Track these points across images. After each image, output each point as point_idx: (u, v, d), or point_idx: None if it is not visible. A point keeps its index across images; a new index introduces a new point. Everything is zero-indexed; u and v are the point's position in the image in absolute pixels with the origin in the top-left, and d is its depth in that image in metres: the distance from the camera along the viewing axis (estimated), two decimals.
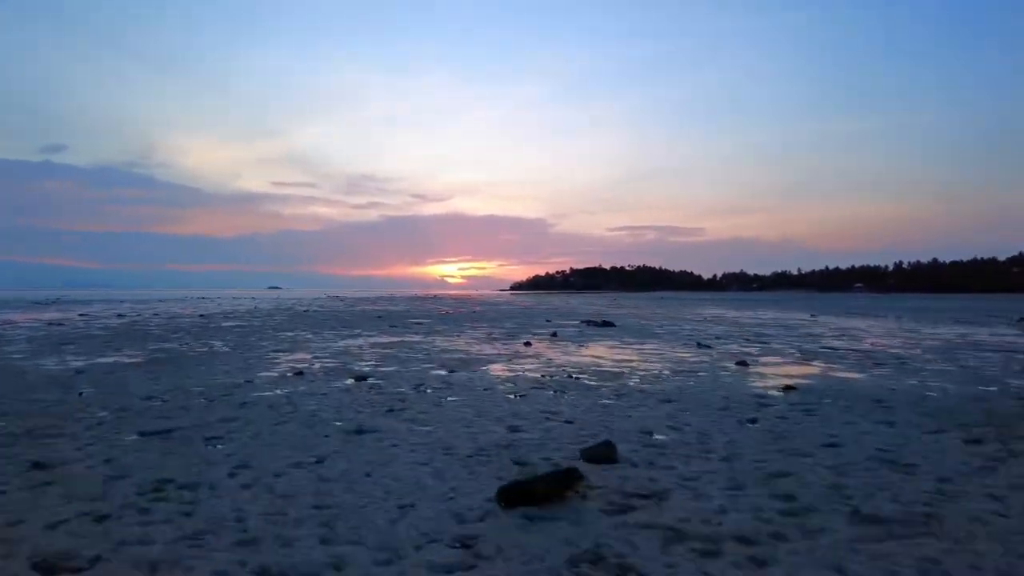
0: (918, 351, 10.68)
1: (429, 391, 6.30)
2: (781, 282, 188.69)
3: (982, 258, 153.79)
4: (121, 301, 43.81)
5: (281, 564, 2.37)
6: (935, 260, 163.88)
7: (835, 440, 4.33)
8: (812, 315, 26.33)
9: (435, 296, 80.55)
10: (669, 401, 5.80)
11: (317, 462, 3.72)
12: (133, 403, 5.54)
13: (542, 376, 7.36)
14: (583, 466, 3.57)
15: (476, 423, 4.79)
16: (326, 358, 9.22)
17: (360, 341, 12.30)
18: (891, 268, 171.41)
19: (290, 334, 14.00)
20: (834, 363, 8.84)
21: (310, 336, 13.42)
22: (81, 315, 23.09)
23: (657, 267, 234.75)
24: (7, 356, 9.36)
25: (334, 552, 2.48)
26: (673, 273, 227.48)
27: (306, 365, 8.37)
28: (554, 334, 13.78)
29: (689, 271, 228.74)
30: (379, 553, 2.47)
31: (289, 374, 7.46)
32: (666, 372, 7.82)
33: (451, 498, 3.09)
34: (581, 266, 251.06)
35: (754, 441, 4.33)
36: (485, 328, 16.43)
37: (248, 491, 3.19)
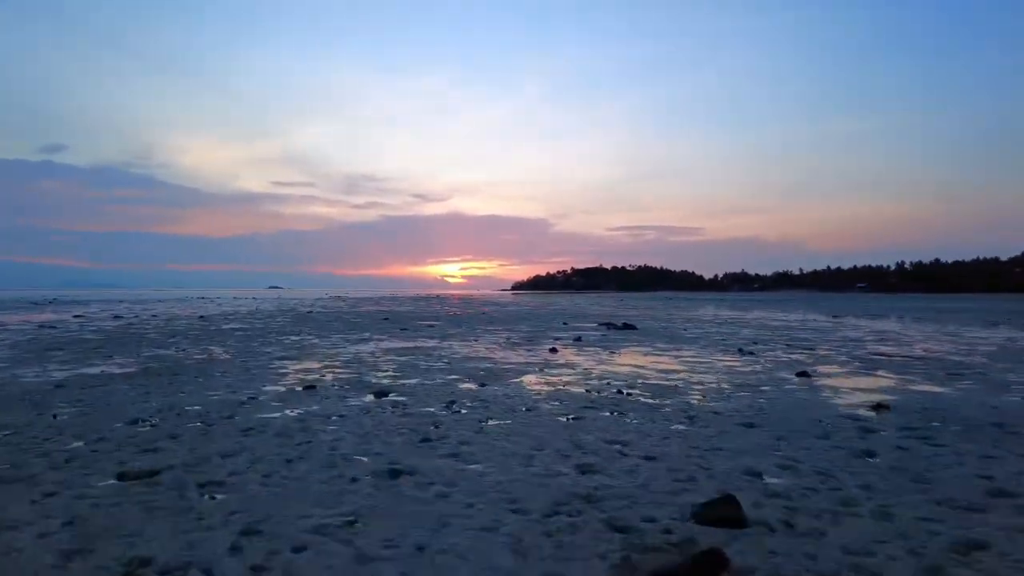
0: (980, 358, 9.77)
1: (464, 411, 5.39)
2: (782, 282, 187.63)
3: (984, 258, 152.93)
4: (119, 302, 42.89)
5: None
6: (937, 260, 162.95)
7: (996, 484, 3.41)
8: (834, 316, 25.42)
9: (437, 296, 79.61)
10: (752, 426, 4.89)
11: (348, 523, 2.81)
12: (116, 429, 4.62)
13: (587, 391, 6.45)
14: (704, 534, 2.67)
15: (536, 459, 3.87)
16: (338, 367, 8.30)
17: (371, 346, 11.37)
18: (893, 268, 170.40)
19: (295, 338, 13.07)
20: (903, 374, 7.92)
21: (316, 340, 12.50)
22: (76, 317, 22.19)
23: (658, 267, 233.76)
24: None
25: None
26: (674, 273, 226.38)
27: (316, 376, 7.45)
28: (578, 338, 12.86)
29: (690, 271, 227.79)
30: None
31: (298, 388, 6.54)
32: (725, 386, 6.91)
33: None
34: (582, 266, 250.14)
35: (893, 486, 3.41)
36: (501, 331, 15.51)
37: None
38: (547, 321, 20.41)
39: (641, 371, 8.09)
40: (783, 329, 17.11)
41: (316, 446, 4.16)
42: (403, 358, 9.42)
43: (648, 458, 3.92)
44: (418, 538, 2.65)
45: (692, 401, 5.96)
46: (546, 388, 6.66)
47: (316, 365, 8.56)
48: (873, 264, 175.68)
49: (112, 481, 3.40)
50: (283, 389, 6.52)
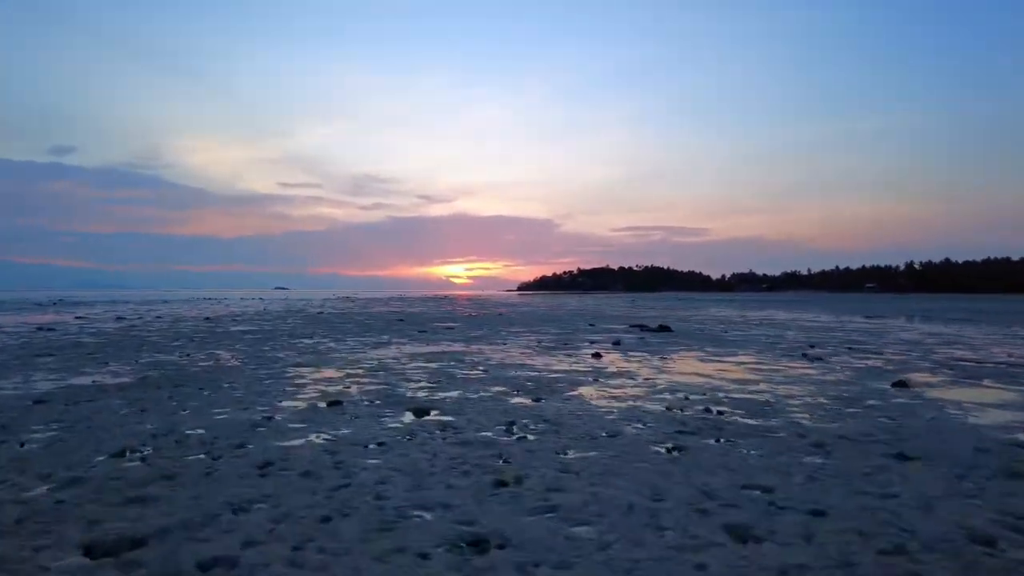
0: None
1: (531, 437, 4.34)
2: (791, 282, 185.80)
3: (995, 258, 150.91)
4: (125, 302, 42.09)
5: None
6: (947, 260, 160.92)
7: None
8: (867, 317, 24.25)
9: (446, 296, 78.62)
10: (905, 457, 3.82)
11: None
12: (96, 466, 3.60)
13: (668, 408, 5.38)
14: None
15: (664, 517, 2.81)
16: (362, 376, 7.27)
17: (393, 350, 10.34)
18: (902, 268, 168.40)
19: (309, 341, 12.06)
20: (1018, 385, 6.82)
21: (333, 344, 11.47)
22: (78, 318, 21.29)
23: (665, 267, 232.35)
24: None
25: None
26: (681, 273, 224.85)
27: (340, 388, 6.42)
28: (617, 342, 11.79)
29: (696, 271, 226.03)
30: None
31: (321, 403, 5.51)
32: (824, 400, 5.83)
33: None
34: (587, 266, 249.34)
35: None
36: (526, 333, 14.46)
37: None
38: (570, 322, 19.34)
39: (711, 381, 7.02)
40: (825, 331, 15.98)
41: (357, 492, 3.12)
42: (432, 365, 8.38)
43: (815, 513, 2.86)
44: None
45: (801, 421, 4.89)
46: (615, 404, 5.60)
47: (337, 374, 7.53)
48: (880, 264, 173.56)
49: (76, 558, 2.37)
50: (303, 405, 5.49)
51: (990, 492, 3.17)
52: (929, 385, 6.77)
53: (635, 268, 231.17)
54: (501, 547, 2.48)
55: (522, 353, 10.01)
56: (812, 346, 11.28)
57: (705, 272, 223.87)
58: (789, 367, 8.31)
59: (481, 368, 8.04)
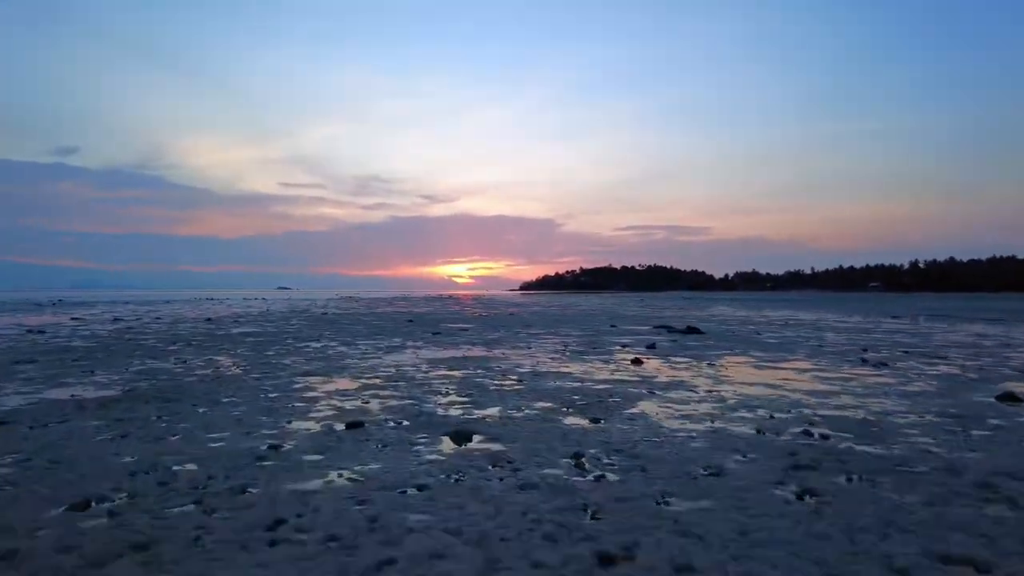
0: None
1: (610, 476, 3.42)
2: (794, 281, 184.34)
3: (1000, 256, 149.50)
4: (125, 303, 41.24)
5: None
6: (952, 259, 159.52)
7: None
8: (893, 317, 23.29)
9: (450, 296, 77.73)
10: None
11: None
12: (45, 524, 2.69)
13: (758, 432, 4.46)
14: None
15: None
16: (381, 388, 6.36)
17: (409, 356, 9.43)
18: (907, 267, 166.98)
19: (317, 345, 11.15)
20: None
21: (343, 348, 10.56)
22: (73, 319, 20.43)
23: (668, 266, 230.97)
24: None
25: None
26: (684, 272, 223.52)
27: (358, 403, 5.51)
28: (651, 345, 10.86)
29: (699, 270, 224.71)
30: None
31: (339, 426, 4.59)
32: (933, 419, 4.91)
33: None
34: (590, 266, 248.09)
35: None
36: (547, 336, 13.54)
37: None
38: (589, 324, 18.41)
39: (784, 394, 6.09)
40: (862, 332, 15.04)
41: (408, 573, 2.21)
42: (457, 373, 7.47)
43: None
44: None
45: (930, 449, 3.97)
46: (691, 426, 4.67)
47: (352, 384, 6.62)
48: (884, 263, 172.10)
49: None
50: (318, 427, 4.58)
51: None
52: None
53: (638, 267, 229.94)
54: None
55: (551, 359, 9.09)
56: (865, 349, 10.35)
57: (708, 271, 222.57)
58: (858, 375, 7.38)
59: (514, 377, 7.13)
